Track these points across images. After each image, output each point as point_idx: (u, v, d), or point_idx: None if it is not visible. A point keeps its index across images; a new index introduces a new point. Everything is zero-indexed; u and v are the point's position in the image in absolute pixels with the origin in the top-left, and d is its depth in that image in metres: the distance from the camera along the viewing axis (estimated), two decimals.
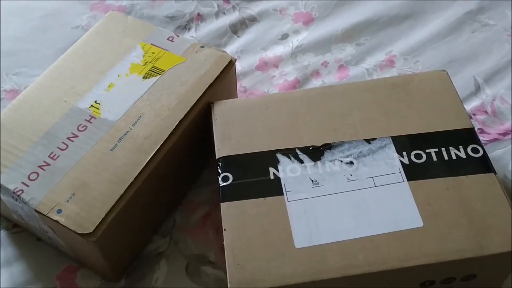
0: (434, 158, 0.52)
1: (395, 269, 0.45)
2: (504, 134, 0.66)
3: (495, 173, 0.50)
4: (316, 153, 0.53)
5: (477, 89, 0.71)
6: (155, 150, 0.54)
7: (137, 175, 0.52)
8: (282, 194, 0.50)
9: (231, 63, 0.61)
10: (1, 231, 0.60)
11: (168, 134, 0.55)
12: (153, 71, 0.60)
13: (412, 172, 0.51)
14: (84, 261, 0.57)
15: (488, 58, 0.74)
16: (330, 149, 0.53)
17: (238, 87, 0.70)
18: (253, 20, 0.82)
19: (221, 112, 0.57)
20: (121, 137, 0.55)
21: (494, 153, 0.64)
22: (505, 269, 0.50)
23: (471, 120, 0.65)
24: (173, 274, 0.57)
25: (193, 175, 0.64)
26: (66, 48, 0.65)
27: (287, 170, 0.52)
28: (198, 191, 0.64)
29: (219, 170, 0.52)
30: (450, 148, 0.52)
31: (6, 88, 0.74)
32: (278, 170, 0.52)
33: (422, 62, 0.75)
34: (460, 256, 0.46)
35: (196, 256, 0.58)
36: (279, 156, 0.53)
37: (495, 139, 0.66)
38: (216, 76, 0.60)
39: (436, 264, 0.46)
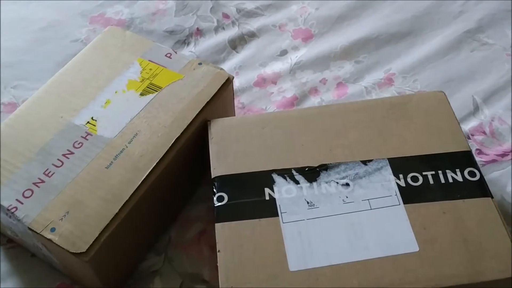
0: (431, 181, 0.51)
1: None
2: (503, 155, 0.66)
3: (492, 197, 0.50)
4: (312, 174, 0.53)
5: (476, 109, 0.71)
6: (151, 169, 0.53)
7: (132, 194, 0.52)
8: (277, 216, 0.50)
9: (228, 81, 0.61)
10: None
11: (164, 152, 0.55)
12: (150, 88, 0.60)
13: (408, 195, 0.50)
14: (77, 278, 0.56)
15: (487, 77, 0.74)
16: (326, 170, 0.53)
17: (236, 103, 0.70)
18: (252, 35, 0.82)
19: (217, 130, 0.57)
20: (117, 155, 0.54)
21: (492, 175, 0.64)
22: None
23: (469, 141, 0.65)
24: None
25: (189, 191, 0.64)
26: (64, 61, 0.65)
27: (283, 191, 0.52)
28: (193, 207, 0.63)
29: (214, 190, 0.52)
30: (447, 171, 0.52)
31: (4, 101, 0.74)
32: (273, 191, 0.52)
33: (420, 80, 0.75)
34: (455, 281, 0.45)
35: (190, 275, 0.58)
36: (274, 176, 0.53)
37: (493, 160, 0.66)
38: (213, 94, 0.59)
39: None
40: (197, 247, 0.60)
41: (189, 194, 0.64)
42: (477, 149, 0.67)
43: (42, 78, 0.73)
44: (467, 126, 0.69)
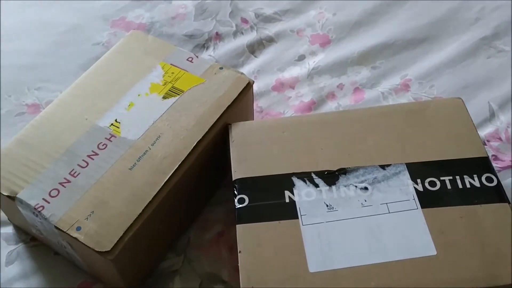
0: (448, 186, 0.52)
1: None
2: None
3: (509, 202, 0.51)
4: (331, 177, 0.54)
5: (492, 116, 0.71)
6: (173, 170, 0.55)
7: (155, 195, 0.53)
8: (297, 218, 0.51)
9: (249, 85, 0.62)
10: (20, 244, 0.62)
11: (186, 155, 0.56)
12: (173, 92, 0.61)
13: (426, 200, 0.51)
14: (99, 277, 0.58)
15: (503, 84, 0.75)
16: (345, 174, 0.54)
17: (254, 107, 0.71)
18: (270, 40, 0.83)
19: (238, 134, 0.58)
20: (140, 157, 0.56)
21: (508, 181, 0.65)
22: None
23: (485, 147, 0.66)
24: None
25: (208, 194, 0.65)
26: (86, 64, 0.66)
27: (302, 194, 0.53)
28: (213, 209, 0.65)
29: (235, 192, 0.53)
30: (465, 176, 0.53)
31: (28, 102, 0.75)
32: (293, 194, 0.53)
33: (437, 87, 0.75)
34: (473, 285, 0.46)
35: (209, 275, 0.59)
36: (294, 179, 0.54)
37: (509, 166, 0.66)
38: (234, 97, 0.61)
39: None
40: (216, 248, 0.61)
41: (209, 196, 0.65)
42: (493, 155, 0.68)
43: (64, 80, 0.75)
44: (483, 132, 0.70)
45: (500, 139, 0.69)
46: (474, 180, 0.52)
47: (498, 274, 0.46)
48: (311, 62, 0.79)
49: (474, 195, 0.51)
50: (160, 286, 0.58)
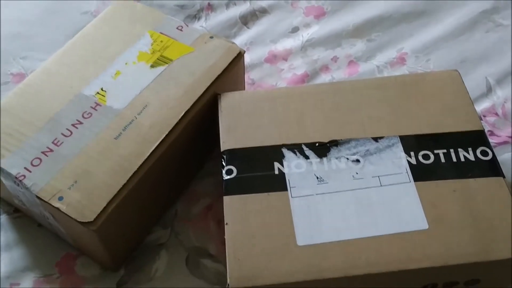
0: (442, 160, 0.51)
1: (397, 271, 0.45)
2: None
3: (504, 177, 0.50)
4: (322, 149, 0.52)
5: (489, 90, 0.70)
6: (160, 140, 0.53)
7: (141, 165, 0.52)
8: (286, 190, 0.50)
9: (239, 55, 0.60)
10: (2, 215, 0.60)
11: (173, 125, 0.54)
12: (161, 60, 0.59)
13: (419, 173, 0.50)
14: (83, 249, 0.57)
15: (501, 59, 0.73)
16: (337, 146, 0.52)
17: (246, 79, 0.69)
18: (263, 12, 0.81)
19: (227, 104, 0.56)
20: (126, 126, 0.54)
21: (503, 156, 0.63)
22: (510, 275, 0.49)
23: (481, 122, 0.64)
24: (173, 266, 0.57)
25: (197, 165, 0.64)
26: (74, 33, 0.64)
27: (292, 166, 0.51)
28: (201, 182, 0.63)
29: (223, 163, 0.52)
30: (459, 149, 0.51)
31: (13, 71, 0.73)
32: (283, 165, 0.51)
33: (433, 60, 0.73)
34: (464, 260, 0.45)
35: (196, 249, 0.58)
36: (284, 151, 0.52)
37: (505, 142, 0.65)
38: (224, 67, 0.59)
39: (440, 268, 0.45)
40: (204, 222, 0.60)
41: (197, 168, 0.64)
42: (488, 131, 0.66)
43: (51, 49, 0.72)
44: (479, 107, 0.68)
45: (496, 114, 0.68)
46: (468, 153, 0.51)
47: (490, 248, 0.45)
48: (305, 34, 0.77)
49: (468, 168, 0.50)
50: (146, 260, 0.57)
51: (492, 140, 0.65)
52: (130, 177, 0.51)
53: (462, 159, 0.51)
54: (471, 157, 0.51)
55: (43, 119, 0.55)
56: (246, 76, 0.70)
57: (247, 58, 0.74)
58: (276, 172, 0.51)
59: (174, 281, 0.56)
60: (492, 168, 0.50)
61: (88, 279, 0.56)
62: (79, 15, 0.80)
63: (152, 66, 0.59)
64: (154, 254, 0.58)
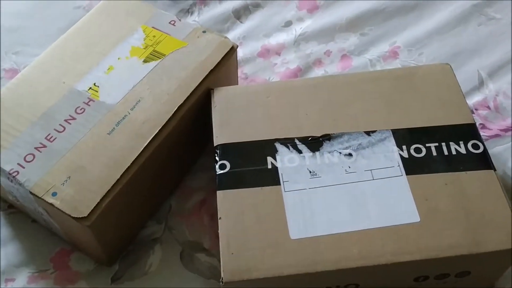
0: (434, 153, 0.51)
1: (389, 263, 0.45)
2: (506, 130, 0.66)
3: (495, 170, 0.50)
4: (315, 143, 0.52)
5: (481, 84, 0.70)
6: (153, 135, 0.53)
7: (134, 160, 0.52)
8: (279, 184, 0.50)
9: (232, 50, 0.60)
10: None
11: (166, 119, 0.54)
12: (154, 55, 0.59)
13: (411, 166, 0.50)
14: (78, 244, 0.57)
15: (493, 52, 0.74)
16: (330, 140, 0.52)
17: (239, 74, 0.69)
18: (256, 6, 0.81)
19: (221, 98, 0.57)
20: (119, 121, 0.54)
21: (495, 149, 0.64)
22: (500, 267, 0.50)
23: (473, 115, 0.65)
24: (167, 260, 0.57)
25: (190, 160, 0.64)
26: (67, 27, 0.64)
27: (285, 160, 0.51)
28: (195, 176, 0.63)
29: (216, 158, 0.52)
30: (451, 143, 0.52)
31: (5, 67, 0.73)
32: (276, 160, 0.51)
33: (426, 54, 0.74)
34: (456, 252, 0.46)
35: (190, 243, 0.58)
36: (277, 145, 0.52)
37: (496, 135, 0.65)
38: (217, 62, 0.59)
39: (431, 260, 0.45)
40: (198, 216, 0.60)
41: (191, 163, 0.64)
42: (480, 124, 0.66)
43: (44, 44, 0.73)
44: (471, 101, 0.68)
45: (488, 107, 0.68)
46: (460, 146, 0.51)
47: (481, 241, 0.46)
48: (298, 28, 0.77)
49: (460, 162, 0.50)
50: (140, 254, 0.57)
51: (483, 133, 0.65)
52: (124, 172, 0.51)
53: (454, 152, 0.51)
54: (462, 150, 0.51)
55: (36, 115, 0.55)
56: (239, 70, 0.70)
57: (240, 53, 0.74)
58: (269, 166, 0.51)
59: (169, 275, 0.56)
60: (483, 161, 0.50)
61: (83, 274, 0.56)
62: (72, 9, 0.80)
63: (144, 61, 0.59)
64: (148, 248, 0.58)
